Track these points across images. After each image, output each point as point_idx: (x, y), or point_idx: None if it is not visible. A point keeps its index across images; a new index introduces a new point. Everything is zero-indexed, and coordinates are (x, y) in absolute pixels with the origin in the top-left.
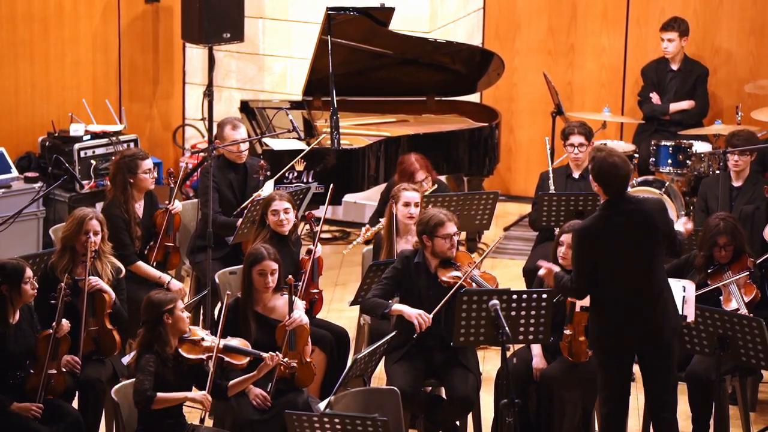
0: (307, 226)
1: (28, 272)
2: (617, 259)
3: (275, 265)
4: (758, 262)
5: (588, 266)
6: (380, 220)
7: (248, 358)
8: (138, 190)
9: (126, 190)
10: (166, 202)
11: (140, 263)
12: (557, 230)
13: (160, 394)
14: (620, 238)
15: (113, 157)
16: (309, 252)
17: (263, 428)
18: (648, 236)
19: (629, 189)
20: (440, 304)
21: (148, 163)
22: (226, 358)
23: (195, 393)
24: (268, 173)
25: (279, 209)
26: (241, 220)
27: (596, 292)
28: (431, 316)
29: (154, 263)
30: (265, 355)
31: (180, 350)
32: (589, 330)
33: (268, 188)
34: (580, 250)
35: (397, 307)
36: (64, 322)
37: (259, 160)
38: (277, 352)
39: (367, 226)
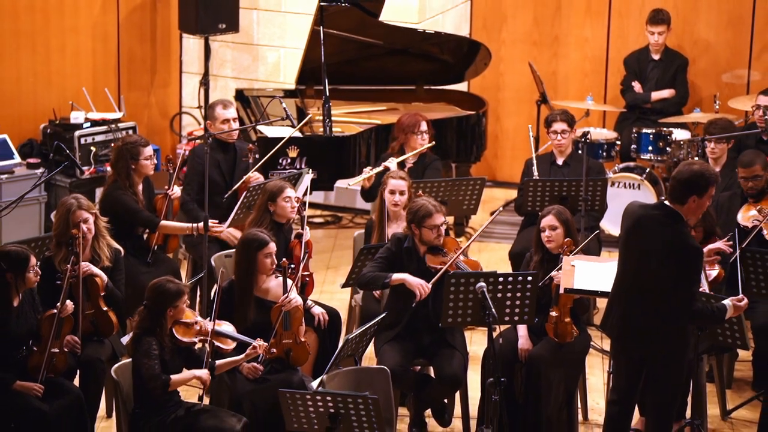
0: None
1: (32, 260)
2: (630, 248)
3: (275, 248)
4: (726, 239)
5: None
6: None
7: (235, 343)
8: (138, 176)
9: (129, 176)
10: (166, 187)
11: (164, 222)
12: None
13: (173, 377)
14: (640, 232)
15: (113, 144)
16: (298, 236)
17: (258, 398)
18: (658, 253)
19: (611, 175)
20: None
21: (148, 150)
22: (216, 342)
23: (200, 371)
24: (257, 156)
25: (292, 196)
26: (237, 208)
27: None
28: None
29: (155, 246)
30: (252, 342)
31: (174, 332)
32: None
33: (305, 182)
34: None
35: (399, 276)
36: (69, 302)
37: (248, 143)
38: (261, 342)
39: (368, 168)
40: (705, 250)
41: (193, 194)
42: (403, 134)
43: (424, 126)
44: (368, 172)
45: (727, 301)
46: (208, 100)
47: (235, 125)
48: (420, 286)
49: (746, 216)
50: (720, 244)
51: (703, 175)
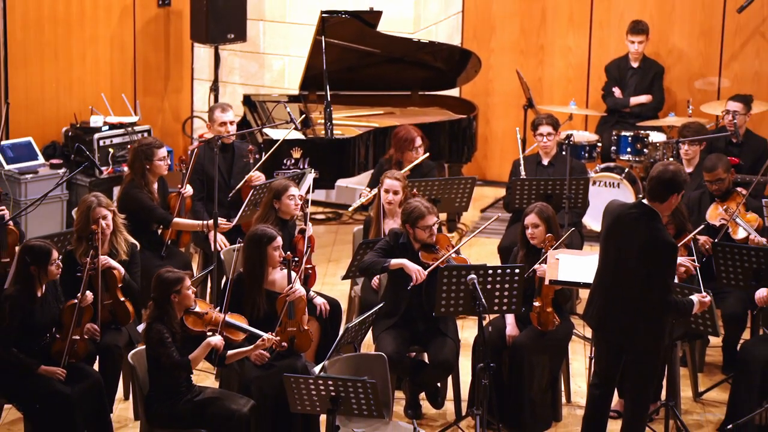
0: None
1: (54, 254)
2: (609, 243)
3: (282, 241)
4: (695, 233)
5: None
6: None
7: (245, 335)
8: (153, 176)
9: (145, 176)
10: (179, 186)
11: (177, 219)
12: None
13: (191, 357)
14: (619, 229)
15: (129, 146)
16: (302, 231)
17: (265, 382)
18: (634, 250)
19: (592, 175)
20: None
21: (162, 152)
22: (225, 333)
23: (213, 338)
24: (257, 156)
25: (296, 195)
26: (245, 205)
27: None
28: (426, 272)
29: (169, 241)
30: (263, 335)
31: (185, 322)
32: None
33: (308, 181)
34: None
35: (398, 260)
36: (89, 293)
37: (248, 145)
38: (271, 334)
39: (366, 190)
40: None
41: (196, 192)
42: (399, 152)
43: (418, 141)
44: (367, 195)
45: (694, 297)
46: None
47: (232, 127)
48: (417, 271)
49: (714, 214)
50: (686, 261)
51: (681, 174)
